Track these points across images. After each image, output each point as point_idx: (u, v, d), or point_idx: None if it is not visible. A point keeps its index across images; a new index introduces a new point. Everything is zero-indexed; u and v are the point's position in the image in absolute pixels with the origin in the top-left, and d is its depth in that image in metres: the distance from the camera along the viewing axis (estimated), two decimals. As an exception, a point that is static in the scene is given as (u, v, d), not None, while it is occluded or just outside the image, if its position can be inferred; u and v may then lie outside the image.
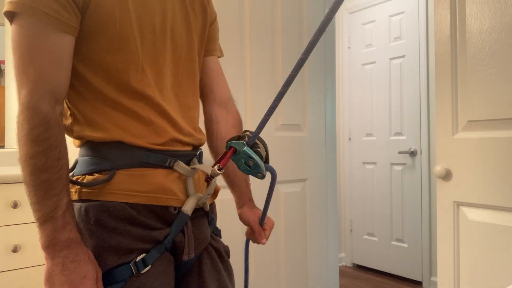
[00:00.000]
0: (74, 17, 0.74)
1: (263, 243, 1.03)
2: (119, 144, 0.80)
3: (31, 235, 1.50)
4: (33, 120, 0.69)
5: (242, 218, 1.06)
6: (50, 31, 0.71)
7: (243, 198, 1.06)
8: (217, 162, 0.80)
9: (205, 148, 1.02)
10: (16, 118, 0.71)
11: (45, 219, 0.70)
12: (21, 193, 1.49)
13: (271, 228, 1.05)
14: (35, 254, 1.51)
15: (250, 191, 1.08)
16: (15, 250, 1.46)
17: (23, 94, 0.70)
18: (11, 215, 1.47)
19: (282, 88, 0.69)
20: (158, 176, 0.82)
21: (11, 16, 0.71)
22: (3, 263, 1.44)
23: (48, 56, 0.71)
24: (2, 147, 1.97)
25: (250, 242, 1.60)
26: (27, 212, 1.49)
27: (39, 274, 1.51)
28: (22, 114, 0.70)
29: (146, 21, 0.82)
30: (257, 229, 1.03)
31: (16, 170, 1.60)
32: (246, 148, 0.76)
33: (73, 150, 0.87)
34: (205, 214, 0.94)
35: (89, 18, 0.76)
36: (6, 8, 0.71)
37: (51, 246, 0.70)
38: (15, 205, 1.47)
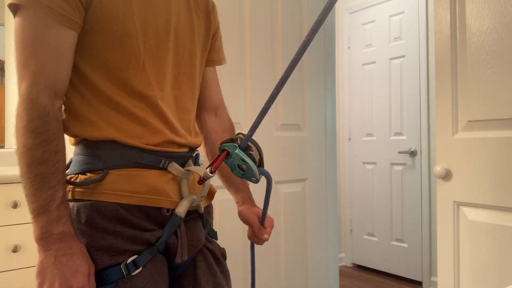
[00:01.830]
0: (77, 13, 0.74)
1: (266, 239, 1.01)
2: (112, 144, 0.79)
3: (31, 235, 1.49)
4: (32, 112, 0.69)
5: (241, 217, 1.05)
6: (53, 25, 0.71)
7: (241, 197, 1.06)
8: (210, 164, 0.80)
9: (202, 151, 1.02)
10: (16, 110, 0.71)
11: (39, 211, 0.71)
12: (21, 193, 1.47)
13: (271, 226, 1.04)
14: (35, 254, 1.50)
15: (248, 189, 1.07)
16: (15, 250, 1.45)
17: (24, 86, 0.70)
18: (11, 215, 1.47)
19: (274, 89, 0.69)
20: (152, 177, 0.81)
21: (15, 8, 0.71)
22: (3, 263, 1.44)
23: (50, 50, 0.71)
24: (2, 147, 1.97)
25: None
26: (27, 212, 1.48)
27: (39, 274, 1.50)
28: (21, 106, 0.70)
29: (149, 21, 0.82)
30: (257, 226, 1.02)
31: (16, 170, 1.59)
32: (238, 151, 0.76)
33: (71, 148, 0.87)
34: (200, 216, 0.93)
35: (92, 14, 0.76)
36: (10, 0, 0.71)
37: (44, 239, 0.71)
38: (15, 205, 1.47)
